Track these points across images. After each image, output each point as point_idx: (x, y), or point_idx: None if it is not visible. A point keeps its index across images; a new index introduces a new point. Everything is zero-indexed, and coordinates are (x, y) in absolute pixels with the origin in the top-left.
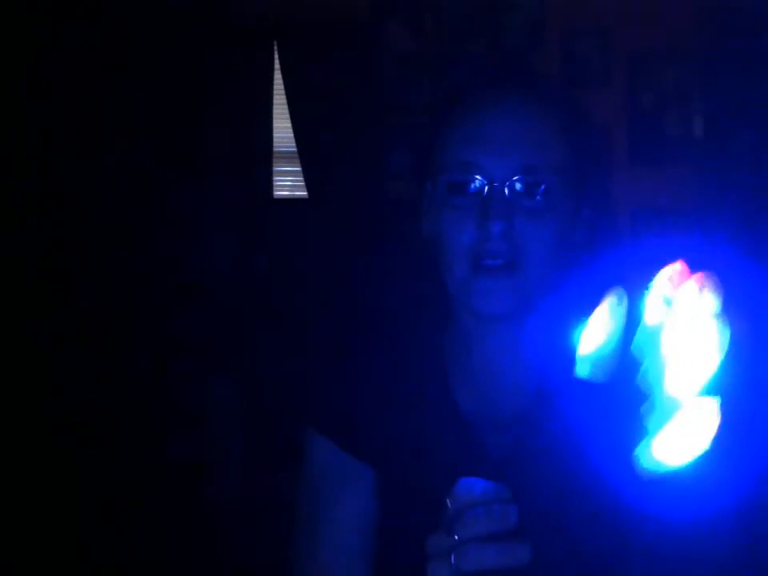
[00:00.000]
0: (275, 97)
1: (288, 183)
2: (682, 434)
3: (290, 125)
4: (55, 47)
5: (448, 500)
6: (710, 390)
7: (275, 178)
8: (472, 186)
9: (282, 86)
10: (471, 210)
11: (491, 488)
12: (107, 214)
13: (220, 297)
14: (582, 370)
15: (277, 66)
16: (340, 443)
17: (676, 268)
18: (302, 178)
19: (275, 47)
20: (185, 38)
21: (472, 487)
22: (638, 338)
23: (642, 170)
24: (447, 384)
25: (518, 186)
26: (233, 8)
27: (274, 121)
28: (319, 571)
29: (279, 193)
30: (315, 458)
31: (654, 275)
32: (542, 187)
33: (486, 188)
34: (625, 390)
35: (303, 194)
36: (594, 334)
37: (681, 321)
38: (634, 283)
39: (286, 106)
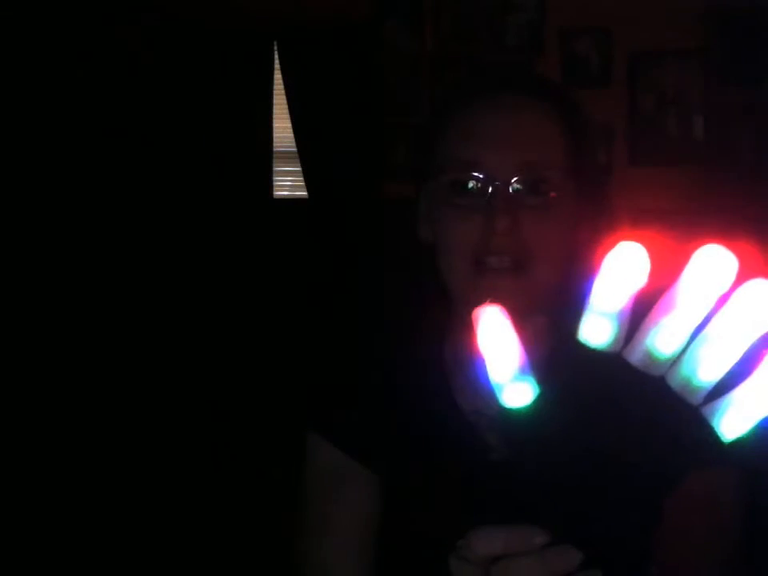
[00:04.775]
0: (275, 97)
1: (288, 183)
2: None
3: (289, 125)
4: (57, 49)
5: (465, 553)
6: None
7: (275, 178)
8: (475, 184)
9: (282, 86)
10: (475, 208)
11: (525, 533)
12: (107, 213)
13: (221, 297)
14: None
15: (277, 65)
16: (341, 446)
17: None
18: (301, 178)
19: (275, 47)
20: (185, 39)
21: (495, 537)
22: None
23: (642, 170)
24: (448, 385)
25: (521, 183)
26: (233, 8)
27: (274, 121)
28: (321, 575)
29: (279, 193)
30: (317, 461)
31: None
32: (546, 184)
33: (490, 186)
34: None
35: (303, 194)
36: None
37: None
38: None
39: (286, 106)
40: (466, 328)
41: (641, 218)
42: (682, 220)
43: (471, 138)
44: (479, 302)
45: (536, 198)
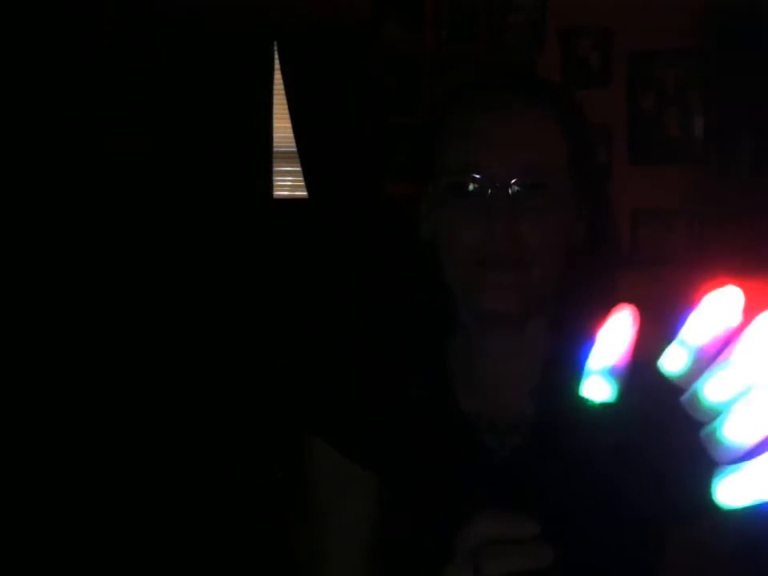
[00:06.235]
0: (275, 97)
1: (288, 183)
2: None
3: (289, 125)
4: (56, 48)
5: (467, 532)
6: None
7: (275, 178)
8: (475, 187)
9: (282, 86)
10: (474, 211)
11: (519, 522)
12: (107, 212)
13: (220, 297)
14: (589, 388)
15: (277, 66)
16: (341, 449)
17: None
18: (301, 178)
19: (275, 47)
20: (186, 39)
21: (495, 521)
22: (674, 356)
23: (641, 170)
24: (450, 387)
25: (520, 185)
26: (233, 8)
27: (274, 121)
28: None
29: (279, 193)
30: (317, 464)
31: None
32: (544, 187)
33: (489, 189)
34: (651, 410)
35: (303, 194)
36: (601, 350)
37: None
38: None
39: (286, 106)
40: (467, 327)
41: (641, 216)
42: (681, 219)
43: (471, 141)
44: (480, 300)
45: (535, 200)
